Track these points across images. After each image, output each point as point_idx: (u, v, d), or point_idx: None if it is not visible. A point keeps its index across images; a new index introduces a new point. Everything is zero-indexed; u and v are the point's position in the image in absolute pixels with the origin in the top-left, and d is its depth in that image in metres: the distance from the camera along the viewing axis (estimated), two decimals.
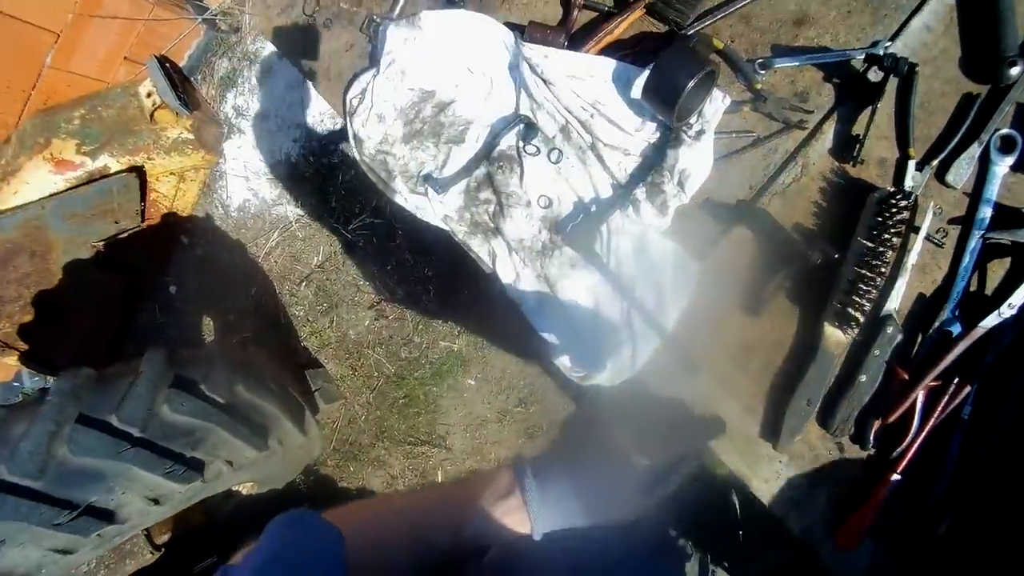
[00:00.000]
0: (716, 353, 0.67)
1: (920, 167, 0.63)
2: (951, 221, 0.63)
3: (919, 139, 0.63)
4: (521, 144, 0.69)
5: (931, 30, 0.63)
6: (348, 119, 0.72)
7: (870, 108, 0.63)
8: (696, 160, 0.63)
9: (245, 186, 1.83)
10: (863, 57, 0.63)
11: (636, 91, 0.64)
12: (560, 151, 0.68)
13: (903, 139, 0.63)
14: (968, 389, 0.61)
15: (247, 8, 1.62)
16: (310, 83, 1.71)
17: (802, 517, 0.66)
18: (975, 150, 0.62)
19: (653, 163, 0.65)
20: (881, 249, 0.60)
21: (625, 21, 0.67)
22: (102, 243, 1.57)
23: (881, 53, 0.62)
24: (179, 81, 1.55)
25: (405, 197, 0.73)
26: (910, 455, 0.63)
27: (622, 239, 0.66)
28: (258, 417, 1.36)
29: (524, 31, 0.68)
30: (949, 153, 0.62)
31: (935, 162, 0.62)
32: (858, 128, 0.64)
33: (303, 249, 1.79)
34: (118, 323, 1.78)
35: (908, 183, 0.62)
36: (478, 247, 0.70)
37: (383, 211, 1.70)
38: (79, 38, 1.49)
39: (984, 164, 0.62)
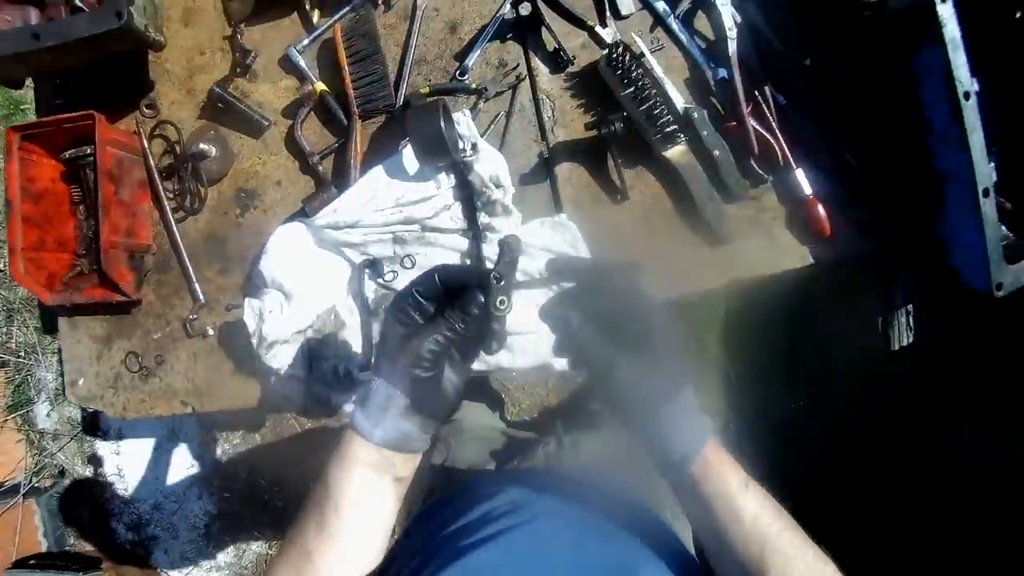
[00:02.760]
0: (635, 244, 0.88)
1: (604, 25, 0.89)
2: (652, 28, 0.91)
3: (584, 10, 0.90)
4: (382, 281, 0.87)
5: None
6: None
7: (543, 29, 0.89)
8: (491, 163, 0.84)
9: None
10: (509, 6, 0.89)
11: (412, 167, 0.85)
12: (407, 257, 0.86)
13: (578, 22, 0.90)
14: (767, 88, 0.89)
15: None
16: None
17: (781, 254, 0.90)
18: None
19: (469, 194, 0.86)
20: (638, 88, 0.84)
21: (359, 135, 0.88)
22: None
23: None
24: None
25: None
26: (785, 149, 0.89)
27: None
28: None
29: (304, 211, 0.87)
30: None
31: (608, 14, 0.89)
32: (548, 43, 0.89)
33: None
34: None
35: (609, 40, 0.89)
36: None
37: None
38: None
39: None
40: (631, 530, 0.59)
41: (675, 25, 0.91)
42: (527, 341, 0.85)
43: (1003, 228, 1.00)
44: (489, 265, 0.85)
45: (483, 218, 0.84)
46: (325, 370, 0.88)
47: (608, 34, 0.89)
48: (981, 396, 1.78)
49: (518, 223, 0.86)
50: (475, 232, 0.86)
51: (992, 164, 1.01)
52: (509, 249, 0.54)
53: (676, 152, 0.86)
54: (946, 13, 0.81)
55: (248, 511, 1.76)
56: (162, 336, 0.95)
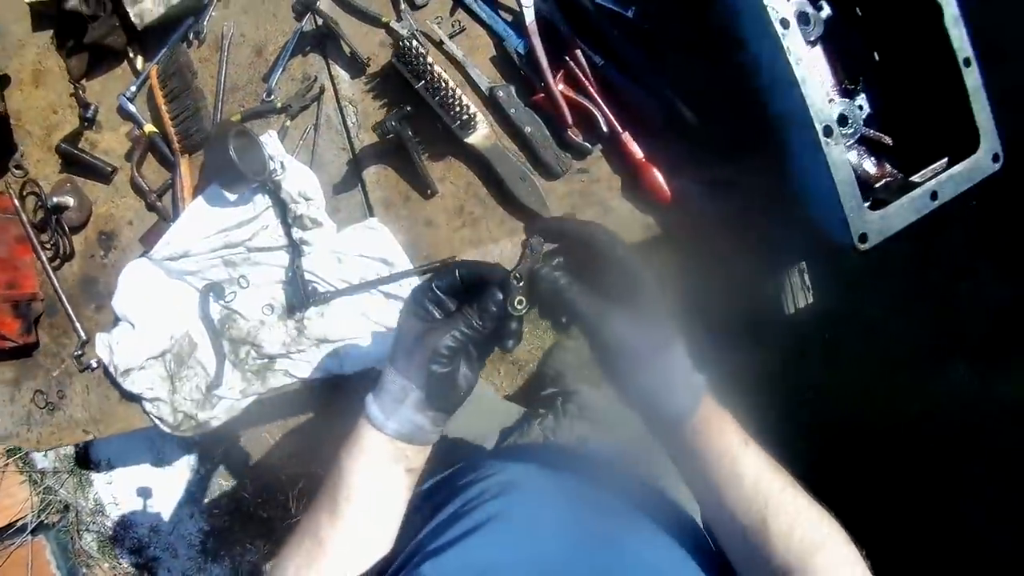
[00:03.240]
0: (452, 236, 0.91)
1: (400, 19, 0.92)
2: (452, 11, 0.92)
3: (380, 6, 0.93)
4: (224, 303, 0.94)
5: None
6: None
7: (340, 41, 0.93)
8: (298, 178, 0.90)
9: None
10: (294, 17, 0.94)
11: (230, 195, 0.91)
12: (241, 278, 0.93)
13: (372, 20, 0.93)
14: (579, 52, 0.88)
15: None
16: None
17: (621, 226, 0.90)
18: None
19: (284, 212, 0.91)
20: (429, 79, 0.87)
21: (185, 170, 0.95)
22: None
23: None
24: None
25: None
26: (607, 113, 0.88)
27: (327, 262, 0.90)
28: None
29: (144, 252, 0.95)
30: None
31: (403, 6, 0.92)
32: (347, 49, 0.93)
33: None
34: None
35: (405, 32, 0.91)
36: (275, 380, 0.93)
37: None
38: None
39: None
40: (628, 505, 0.60)
41: (474, 4, 0.92)
42: (350, 347, 0.90)
43: (887, 166, 0.95)
44: (310, 277, 0.91)
45: (296, 233, 0.90)
46: (187, 389, 0.97)
47: (404, 27, 0.92)
48: (970, 334, 1.68)
49: (333, 232, 0.91)
50: (292, 247, 0.91)
51: (862, 96, 0.95)
52: (531, 250, 0.55)
53: (479, 137, 0.88)
54: None
55: (237, 525, 1.92)
56: (60, 373, 1.06)
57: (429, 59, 0.86)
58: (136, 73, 1.00)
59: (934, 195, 0.83)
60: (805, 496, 0.53)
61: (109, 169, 1.00)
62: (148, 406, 0.97)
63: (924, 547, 1.61)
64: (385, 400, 0.56)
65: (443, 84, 0.86)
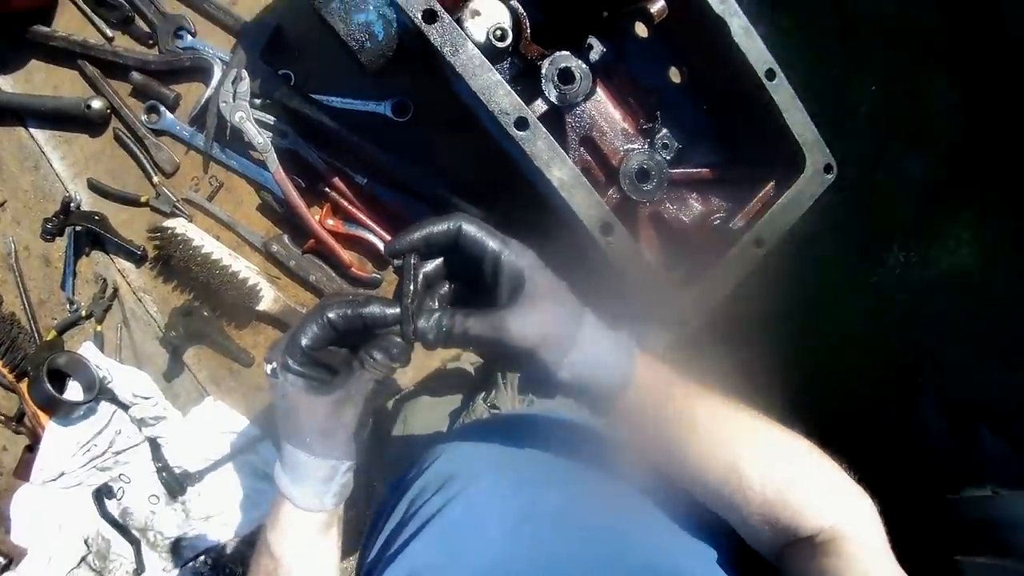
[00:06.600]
0: None
1: (158, 193, 0.98)
2: (206, 169, 0.98)
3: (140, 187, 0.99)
4: (117, 500, 1.10)
5: None
6: None
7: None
8: (127, 381, 1.01)
9: None
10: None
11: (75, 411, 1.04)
12: (121, 476, 1.08)
13: (132, 202, 0.99)
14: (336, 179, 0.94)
15: None
16: None
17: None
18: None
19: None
20: (195, 265, 0.94)
21: (26, 399, 1.08)
22: None
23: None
24: None
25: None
26: (388, 237, 0.93)
27: (185, 447, 1.04)
28: None
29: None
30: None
31: (155, 179, 0.97)
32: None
33: None
34: None
35: (166, 208, 0.97)
36: (187, 554, 1.09)
37: None
38: None
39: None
40: (585, 472, 0.64)
41: (222, 155, 0.96)
42: (235, 515, 1.05)
43: (713, 200, 0.90)
44: (175, 464, 1.04)
45: (146, 431, 1.03)
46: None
47: (163, 203, 0.98)
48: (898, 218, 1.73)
49: (180, 419, 1.03)
50: (150, 442, 1.05)
51: (664, 132, 0.87)
52: (410, 271, 0.55)
53: (267, 303, 0.96)
54: (441, 34, 0.68)
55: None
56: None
57: (195, 243, 0.94)
58: None
59: (759, 242, 0.80)
60: (777, 427, 0.54)
61: None
62: None
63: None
64: (312, 486, 0.57)
65: (212, 265, 0.94)
